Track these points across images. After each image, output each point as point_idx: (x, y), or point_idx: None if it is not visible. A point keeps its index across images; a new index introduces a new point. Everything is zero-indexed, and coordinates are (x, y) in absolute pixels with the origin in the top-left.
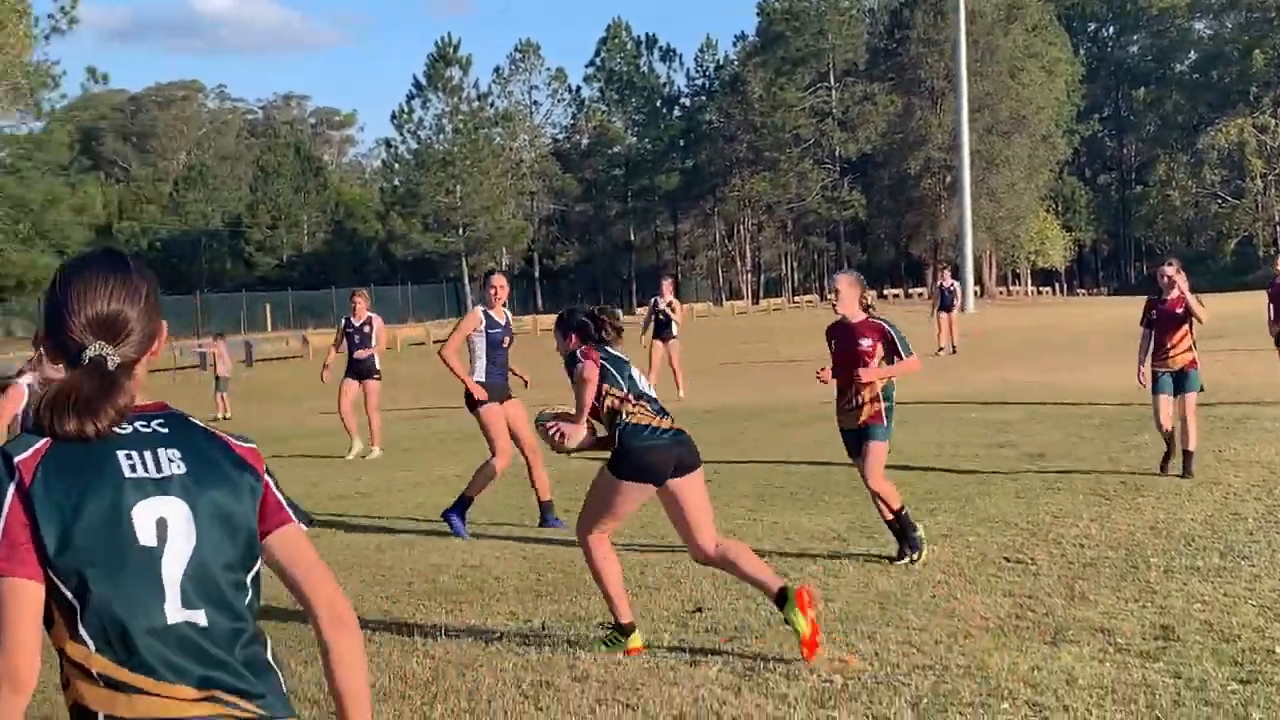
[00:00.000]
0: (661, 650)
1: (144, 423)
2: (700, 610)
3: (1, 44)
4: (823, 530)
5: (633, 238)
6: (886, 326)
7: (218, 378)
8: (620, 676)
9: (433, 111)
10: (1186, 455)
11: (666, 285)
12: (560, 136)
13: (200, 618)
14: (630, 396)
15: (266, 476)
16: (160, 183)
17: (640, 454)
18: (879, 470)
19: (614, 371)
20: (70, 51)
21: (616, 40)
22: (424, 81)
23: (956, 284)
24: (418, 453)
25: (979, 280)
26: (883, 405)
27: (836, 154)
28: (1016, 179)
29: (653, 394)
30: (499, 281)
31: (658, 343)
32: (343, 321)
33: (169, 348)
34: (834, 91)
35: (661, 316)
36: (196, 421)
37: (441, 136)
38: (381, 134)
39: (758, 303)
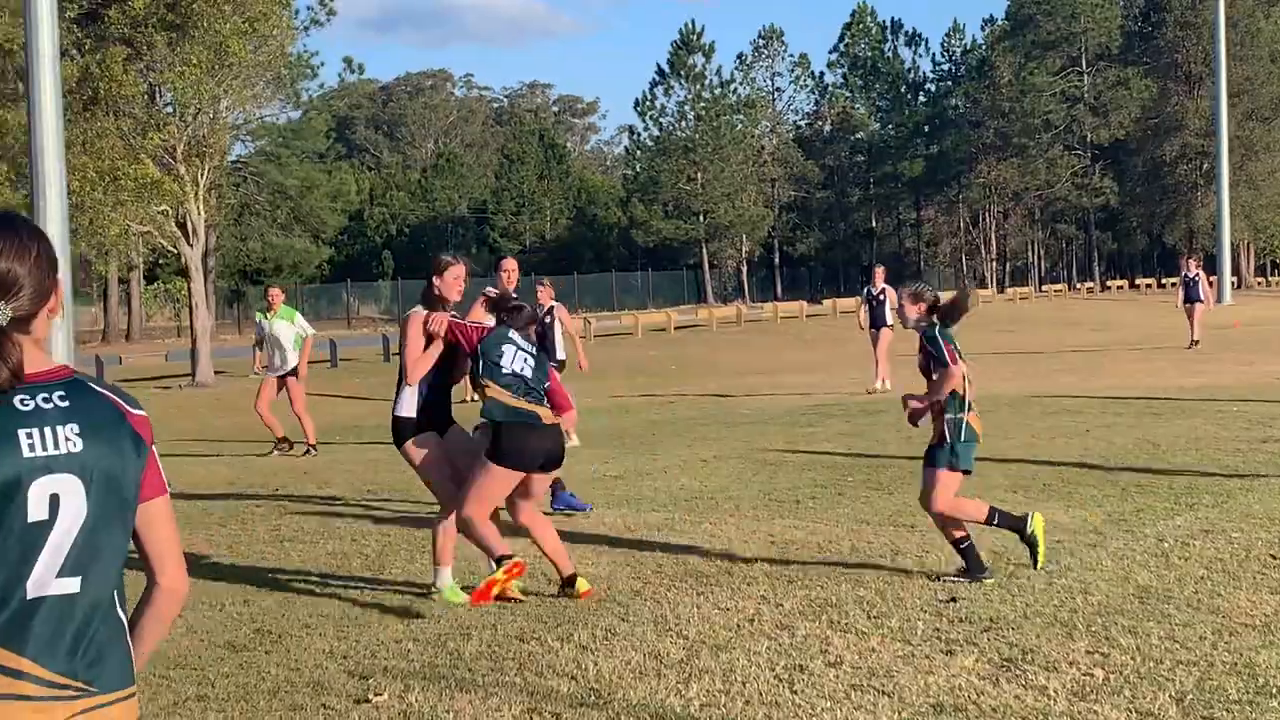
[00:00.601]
0: (916, 639)
1: (46, 395)
2: (954, 600)
3: (266, 35)
4: (1078, 523)
5: (874, 225)
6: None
7: None
8: (875, 663)
9: (675, 99)
10: None
11: (878, 274)
12: (802, 123)
13: (75, 585)
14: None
15: (152, 447)
16: (409, 170)
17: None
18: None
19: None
20: (325, 42)
21: (861, 25)
22: (667, 69)
23: (1201, 274)
24: (662, 440)
25: (1236, 270)
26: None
27: (1087, 140)
28: (1277, 166)
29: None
30: (510, 265)
31: (873, 331)
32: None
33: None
34: (1085, 76)
35: (875, 304)
36: (95, 388)
37: (684, 123)
38: (623, 121)
39: (1003, 291)
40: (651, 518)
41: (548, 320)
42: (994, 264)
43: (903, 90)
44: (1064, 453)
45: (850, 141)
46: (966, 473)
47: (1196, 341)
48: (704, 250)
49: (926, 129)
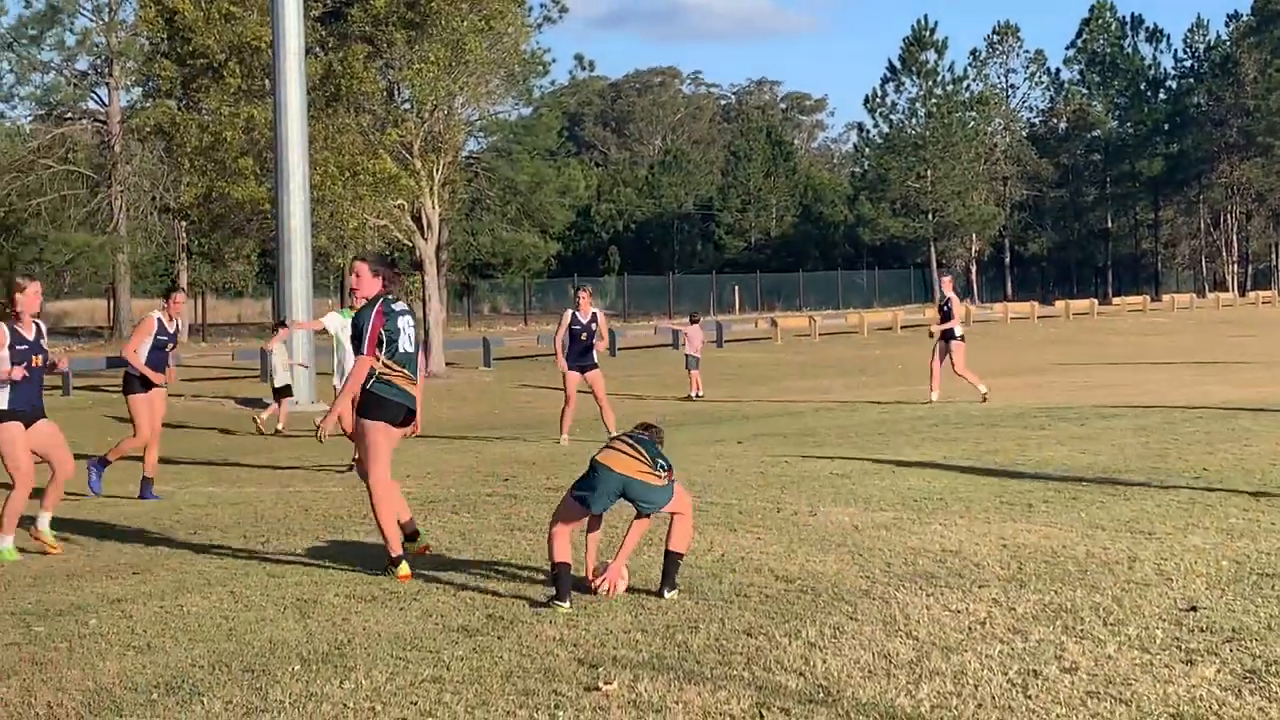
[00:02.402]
0: (1154, 647)
1: None
2: (1195, 609)
3: (501, 33)
4: None
5: (1110, 225)
6: None
7: (688, 356)
8: (1111, 671)
9: (906, 95)
10: None
11: (946, 282)
12: (1036, 120)
13: None
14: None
15: None
16: (636, 166)
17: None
18: None
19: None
20: (557, 39)
21: (1100, 21)
22: (898, 65)
23: None
24: (889, 439)
25: None
26: None
27: None
28: None
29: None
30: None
31: (941, 342)
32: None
33: (633, 326)
34: None
35: (944, 314)
36: None
37: (914, 120)
38: (850, 119)
39: (1244, 294)
40: (879, 516)
41: (593, 327)
42: (1235, 267)
43: (1142, 87)
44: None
45: (1086, 139)
46: None
47: None
48: (932, 249)
49: (1166, 127)
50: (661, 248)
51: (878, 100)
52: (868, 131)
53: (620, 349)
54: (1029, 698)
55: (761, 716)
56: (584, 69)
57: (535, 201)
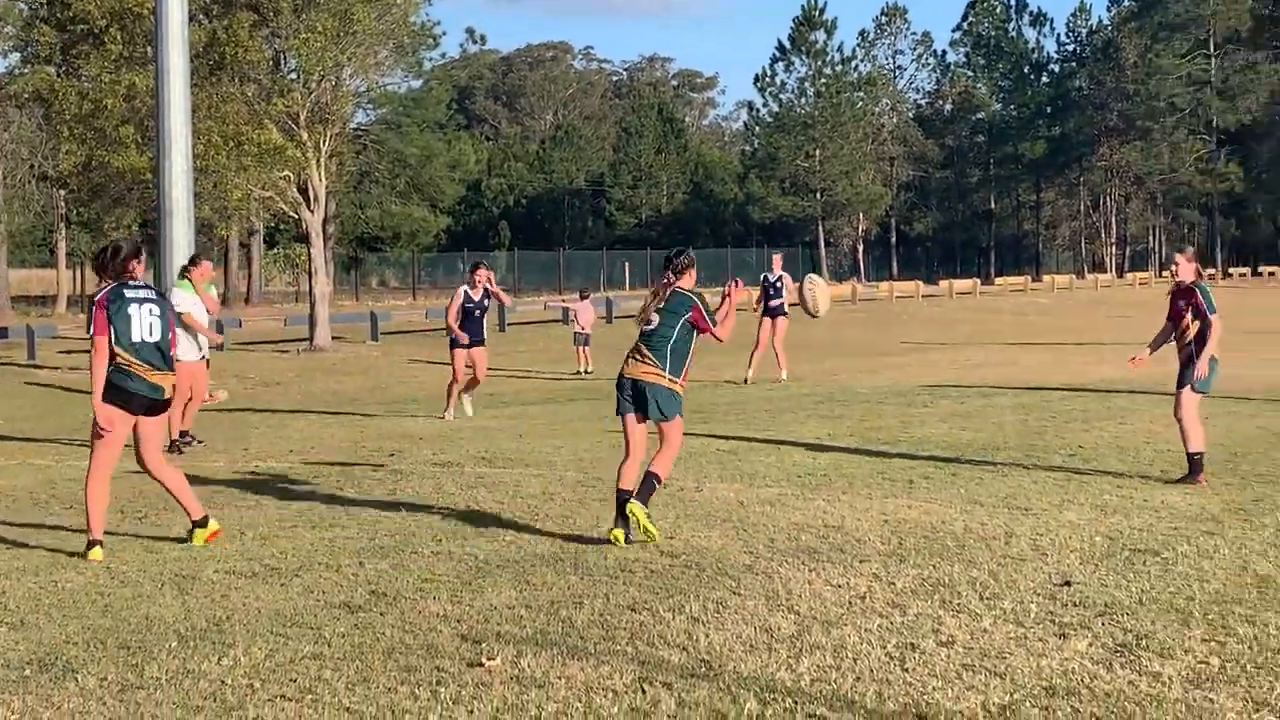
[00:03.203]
0: (1029, 621)
1: None
2: (1069, 584)
3: (389, 4)
4: (1195, 510)
5: (993, 206)
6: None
7: (576, 333)
8: (987, 644)
9: (795, 75)
10: None
11: (776, 260)
12: (923, 102)
13: None
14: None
15: None
16: (528, 141)
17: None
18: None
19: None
20: (448, 12)
21: (985, 4)
22: (788, 44)
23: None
24: (776, 416)
25: None
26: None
27: (1213, 124)
28: None
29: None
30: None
31: (765, 320)
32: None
33: (523, 301)
34: (1213, 59)
35: (772, 291)
36: None
37: (803, 100)
38: (742, 97)
39: (1122, 276)
40: (764, 492)
41: (485, 304)
42: (1113, 248)
43: (1026, 70)
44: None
45: (971, 121)
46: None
47: None
48: (820, 228)
49: (1049, 110)
50: (552, 223)
51: (768, 79)
52: (758, 110)
53: (510, 324)
54: (906, 671)
55: (644, 691)
56: (475, 42)
57: (425, 175)
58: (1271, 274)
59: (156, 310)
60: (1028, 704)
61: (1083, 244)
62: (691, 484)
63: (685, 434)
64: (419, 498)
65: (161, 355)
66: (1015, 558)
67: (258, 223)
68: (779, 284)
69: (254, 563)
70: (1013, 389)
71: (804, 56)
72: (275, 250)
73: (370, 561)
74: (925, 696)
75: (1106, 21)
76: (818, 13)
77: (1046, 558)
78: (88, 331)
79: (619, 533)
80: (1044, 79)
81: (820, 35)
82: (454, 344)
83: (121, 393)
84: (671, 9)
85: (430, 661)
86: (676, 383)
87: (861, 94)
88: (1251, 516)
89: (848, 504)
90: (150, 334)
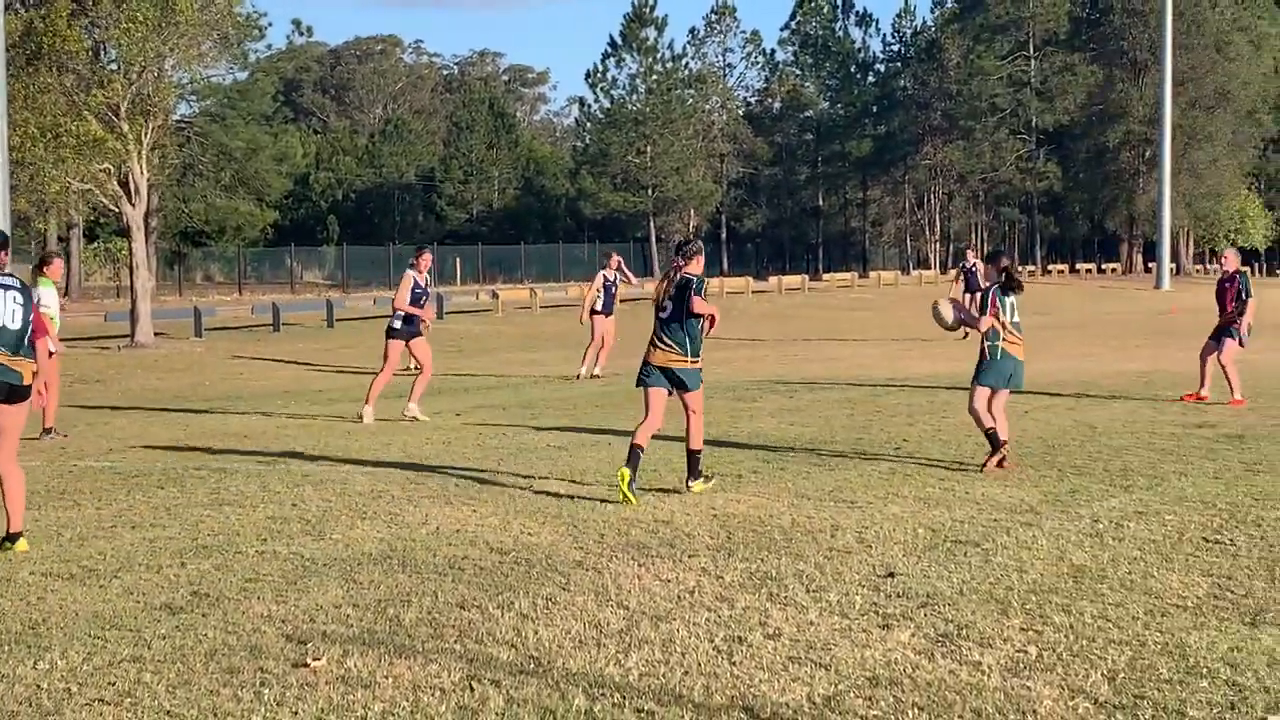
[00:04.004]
0: (854, 613)
1: None
2: (893, 575)
3: None
4: (1015, 502)
5: (821, 203)
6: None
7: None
8: (812, 636)
9: (626, 71)
10: None
11: (613, 259)
12: (752, 100)
13: None
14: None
15: None
16: (356, 135)
17: None
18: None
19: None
20: (274, 3)
21: (812, 4)
22: (619, 41)
23: (979, 265)
24: (609, 411)
25: (1175, 258)
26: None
27: (1033, 124)
28: (1218, 155)
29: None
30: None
31: (599, 317)
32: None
33: (352, 297)
34: (1033, 61)
35: (612, 290)
36: None
37: (634, 96)
38: (573, 92)
39: (945, 272)
40: (595, 489)
41: (430, 291)
42: (937, 245)
43: (852, 70)
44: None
45: (799, 119)
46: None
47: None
48: (651, 224)
49: (875, 109)
50: (382, 218)
51: (599, 75)
52: (589, 106)
53: (338, 320)
54: (733, 664)
55: (472, 689)
56: (301, 34)
57: (251, 168)
58: (1089, 271)
59: (20, 298)
60: (851, 694)
61: (908, 241)
62: (522, 480)
63: (520, 429)
64: (243, 496)
65: (20, 341)
66: (841, 550)
67: (77, 216)
68: (616, 285)
69: (71, 564)
70: (840, 384)
71: (635, 53)
72: (96, 244)
73: (192, 562)
74: (752, 689)
75: (930, 23)
76: (648, 10)
77: (871, 550)
78: None
79: (626, 471)
80: (870, 79)
81: (651, 32)
82: (392, 334)
83: None
84: (502, 3)
85: (254, 663)
86: (697, 362)
87: (692, 91)
88: (1068, 508)
89: (678, 498)
90: (12, 321)
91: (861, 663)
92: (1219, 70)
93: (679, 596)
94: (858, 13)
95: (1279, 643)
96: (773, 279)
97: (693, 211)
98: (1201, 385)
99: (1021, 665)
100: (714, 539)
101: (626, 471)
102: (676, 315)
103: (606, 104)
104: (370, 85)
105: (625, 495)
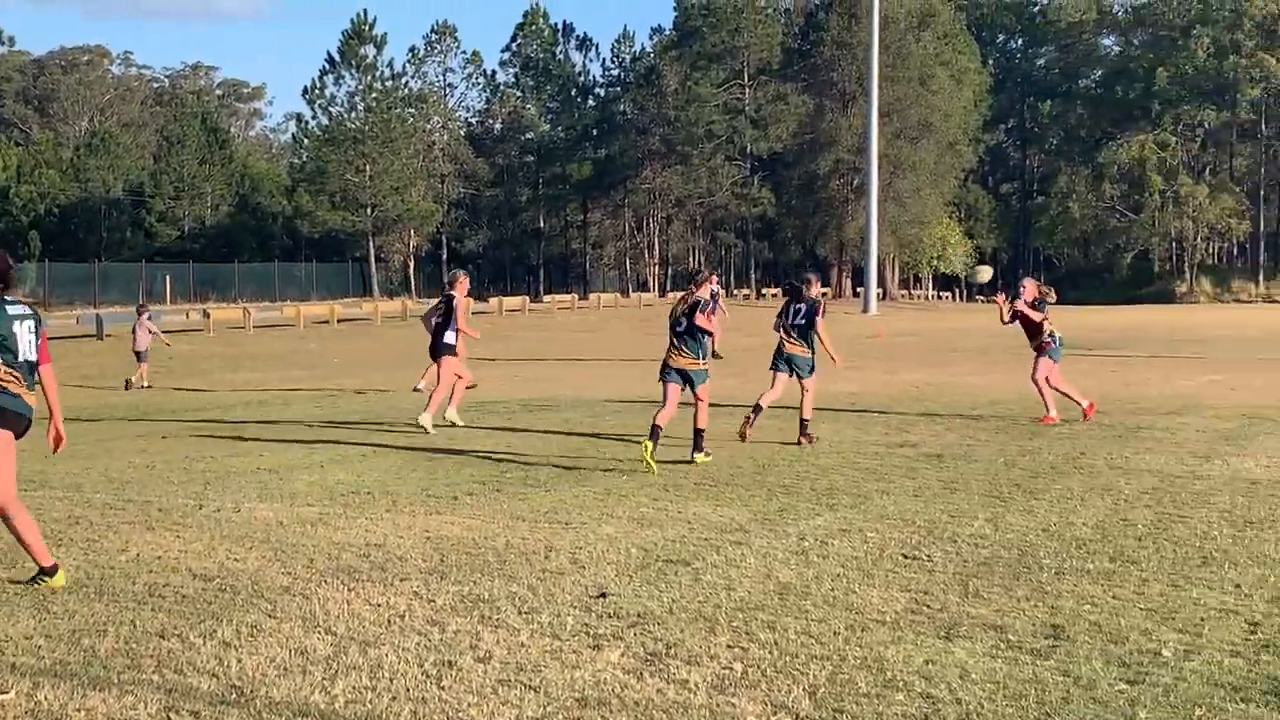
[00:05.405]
0: (565, 634)
1: None
2: (604, 595)
3: None
4: (725, 521)
5: (542, 225)
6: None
7: (138, 352)
8: (523, 658)
9: (345, 89)
10: None
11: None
12: (473, 120)
13: None
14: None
15: None
16: (61, 148)
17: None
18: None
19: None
20: None
21: (534, 26)
22: (337, 58)
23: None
24: (320, 434)
25: (882, 283)
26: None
27: (748, 151)
28: (922, 184)
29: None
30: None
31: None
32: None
33: (55, 315)
34: (748, 89)
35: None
36: None
37: (353, 114)
38: (291, 109)
39: (664, 295)
40: (305, 512)
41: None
42: (656, 268)
43: (573, 93)
44: (712, 454)
45: (521, 141)
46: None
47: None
48: (371, 243)
49: (595, 133)
50: (88, 234)
51: (317, 91)
52: (307, 123)
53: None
54: (443, 689)
55: None
56: (2, 43)
57: None
58: None
59: (34, 326)
60: (560, 716)
61: (628, 263)
62: (230, 504)
63: (229, 453)
64: None
65: (33, 375)
66: (554, 571)
67: None
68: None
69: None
70: (558, 406)
71: (354, 70)
72: None
73: None
74: (460, 713)
75: (649, 49)
76: (368, 27)
77: (584, 571)
78: None
79: (649, 444)
80: (590, 102)
81: (370, 50)
82: (450, 350)
83: (5, 414)
84: (217, 15)
85: None
86: (704, 364)
87: (412, 110)
88: (776, 526)
89: (391, 522)
90: (30, 352)
91: (571, 684)
92: (922, 102)
93: (389, 621)
94: (578, 37)
95: (971, 655)
96: (493, 300)
97: (413, 231)
98: (1048, 409)
99: (727, 682)
100: (426, 562)
101: (649, 444)
102: (690, 329)
103: (325, 121)
104: (76, 96)
105: (648, 463)
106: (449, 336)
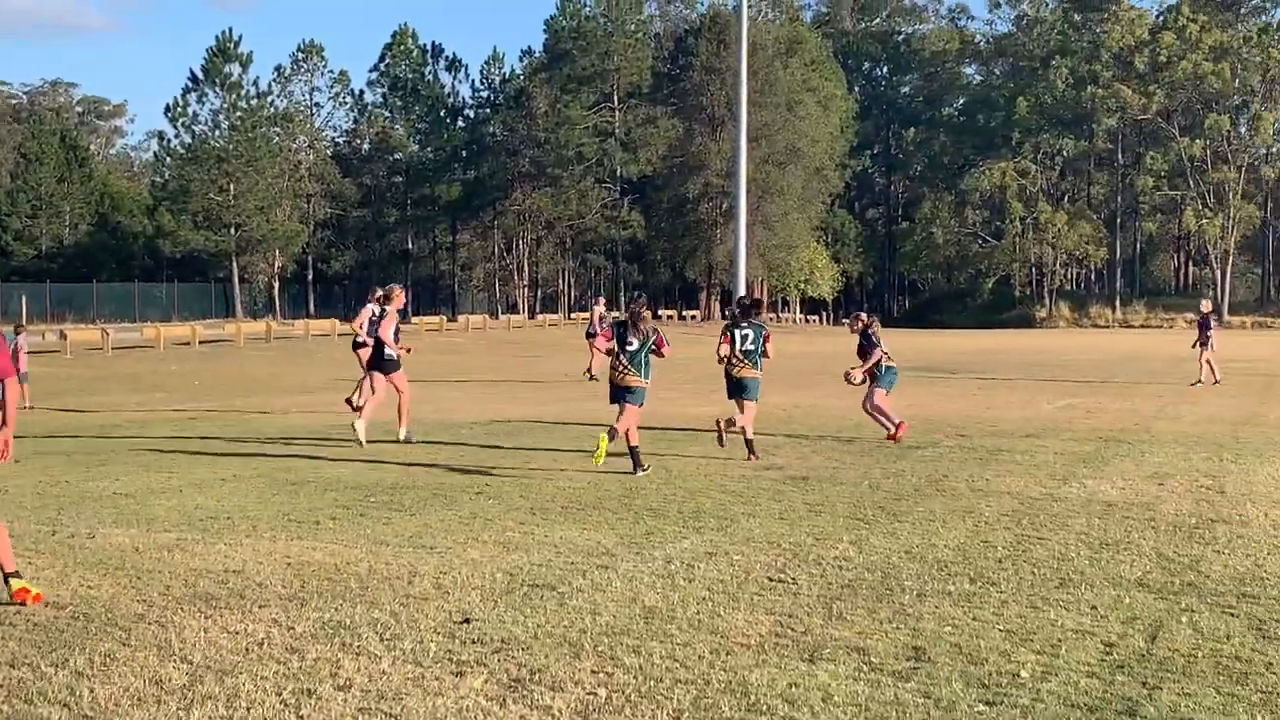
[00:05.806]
0: (428, 660)
1: None
2: (468, 621)
3: None
4: (592, 545)
5: (411, 246)
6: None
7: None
8: (384, 686)
9: (209, 107)
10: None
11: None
12: (340, 140)
13: None
14: None
15: None
16: None
17: None
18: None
19: None
20: None
21: (402, 47)
22: (201, 76)
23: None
24: (178, 457)
25: None
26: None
27: (618, 174)
28: (790, 208)
29: None
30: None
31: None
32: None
33: None
34: (617, 112)
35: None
36: None
37: (217, 133)
38: (153, 127)
39: (534, 317)
40: (162, 538)
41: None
42: (526, 290)
43: (442, 114)
44: (580, 477)
45: (389, 162)
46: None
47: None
48: (234, 264)
49: (464, 154)
50: None
51: (180, 109)
52: (169, 141)
53: None
54: (301, 718)
55: None
56: None
57: None
58: (669, 317)
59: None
60: None
61: (497, 285)
62: (84, 530)
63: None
64: None
65: None
66: (418, 597)
67: None
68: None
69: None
70: (424, 428)
71: (218, 88)
72: None
73: None
74: None
75: (519, 71)
76: (232, 45)
77: (449, 596)
78: None
79: (604, 435)
80: (460, 123)
81: (235, 68)
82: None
83: None
84: (77, 31)
85: None
86: (646, 383)
87: (278, 129)
88: (643, 549)
89: (250, 547)
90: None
91: (433, 712)
92: (790, 128)
93: (247, 649)
94: (447, 58)
95: (834, 678)
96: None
97: (278, 252)
98: (891, 424)
99: (591, 708)
100: (286, 588)
101: (605, 437)
102: (639, 351)
103: (188, 139)
104: None
105: (599, 452)
106: (389, 351)
